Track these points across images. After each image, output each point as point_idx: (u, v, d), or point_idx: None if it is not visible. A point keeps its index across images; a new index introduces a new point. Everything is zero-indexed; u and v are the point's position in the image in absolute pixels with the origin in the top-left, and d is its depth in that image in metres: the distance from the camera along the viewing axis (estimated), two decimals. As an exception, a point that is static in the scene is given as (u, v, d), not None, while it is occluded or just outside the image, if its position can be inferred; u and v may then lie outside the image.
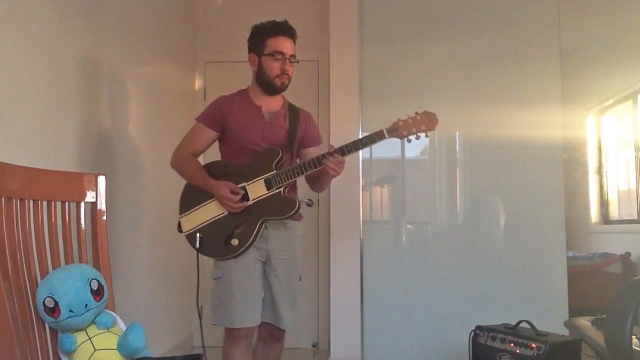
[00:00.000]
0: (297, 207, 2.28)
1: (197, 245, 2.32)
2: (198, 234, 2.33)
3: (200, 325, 2.34)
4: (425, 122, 2.23)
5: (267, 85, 2.40)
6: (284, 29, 2.40)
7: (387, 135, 2.24)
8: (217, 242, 2.31)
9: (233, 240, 2.28)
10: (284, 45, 2.37)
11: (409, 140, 2.26)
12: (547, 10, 3.62)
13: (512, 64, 3.62)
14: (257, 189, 2.29)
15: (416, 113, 2.25)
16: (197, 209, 2.37)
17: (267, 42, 2.37)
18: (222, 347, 2.36)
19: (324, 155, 2.25)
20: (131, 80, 3.20)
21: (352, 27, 3.63)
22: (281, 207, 2.29)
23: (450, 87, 3.65)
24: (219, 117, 2.41)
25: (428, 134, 2.25)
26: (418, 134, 2.24)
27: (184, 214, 2.40)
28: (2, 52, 2.06)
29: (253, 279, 2.33)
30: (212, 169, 2.40)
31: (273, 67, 2.37)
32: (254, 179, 2.30)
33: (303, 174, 2.28)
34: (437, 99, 3.62)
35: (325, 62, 3.78)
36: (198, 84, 4.35)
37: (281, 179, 2.27)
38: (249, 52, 2.45)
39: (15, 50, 2.13)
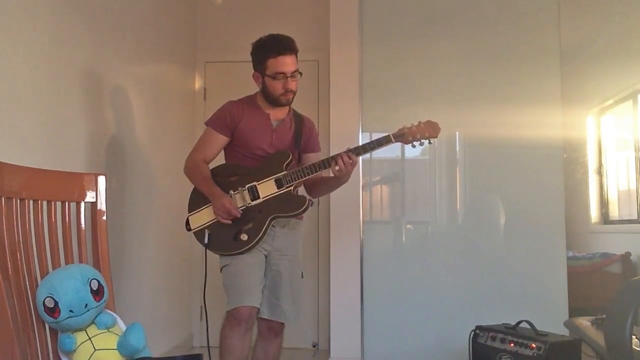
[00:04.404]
0: (306, 204, 2.38)
1: (206, 241, 2.40)
2: (207, 231, 2.40)
3: (207, 324, 2.43)
4: (429, 129, 2.39)
5: (273, 101, 2.49)
6: (283, 48, 2.41)
7: (394, 140, 2.39)
8: (226, 238, 2.38)
9: (242, 235, 2.35)
10: (285, 64, 2.40)
11: (414, 146, 2.42)
12: (547, 10, 3.61)
13: (512, 64, 3.62)
14: (267, 188, 2.38)
15: (419, 122, 2.40)
16: (206, 208, 2.43)
17: (268, 63, 2.41)
18: (220, 332, 2.39)
19: (333, 157, 2.37)
20: (131, 81, 3.19)
21: (352, 27, 3.63)
22: (291, 205, 2.38)
23: (450, 87, 3.65)
24: (230, 123, 2.49)
25: (431, 141, 2.41)
26: (422, 140, 2.40)
27: (192, 213, 2.46)
28: (3, 53, 2.06)
29: (255, 265, 2.40)
30: (222, 171, 2.49)
31: (276, 87, 2.43)
32: (264, 178, 2.39)
33: (313, 173, 2.38)
34: (437, 99, 3.62)
35: (325, 62, 3.78)
36: (198, 84, 4.35)
37: (292, 178, 2.37)
38: (253, 69, 2.50)
39: (15, 51, 2.14)
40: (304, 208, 2.37)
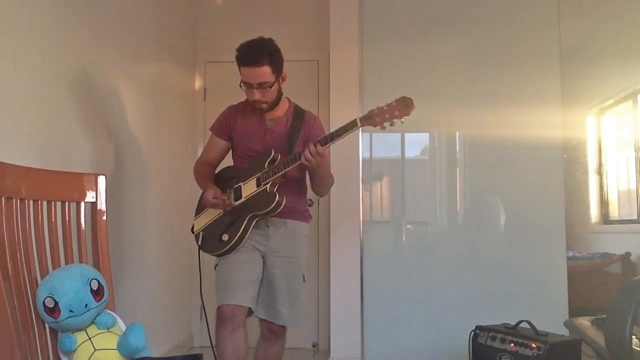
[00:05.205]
0: (275, 202, 2.32)
1: (199, 243, 2.49)
2: (201, 233, 2.50)
3: (207, 323, 2.46)
4: (400, 107, 2.18)
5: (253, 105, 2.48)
6: (248, 59, 2.32)
7: (359, 123, 2.22)
8: (213, 239, 2.44)
9: (224, 235, 2.39)
10: (249, 75, 2.33)
11: (383, 128, 2.21)
12: (547, 10, 3.62)
13: (512, 64, 3.62)
14: (249, 188, 2.40)
15: (393, 100, 2.21)
16: (205, 211, 2.53)
17: (241, 70, 2.38)
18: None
19: (303, 151, 2.31)
20: (131, 81, 3.20)
21: (352, 27, 3.63)
22: (265, 203, 2.35)
23: (450, 87, 3.65)
24: (226, 127, 2.55)
25: (403, 120, 2.19)
26: (393, 121, 2.20)
27: (197, 216, 2.56)
28: (3, 53, 2.06)
29: (245, 264, 2.40)
30: (225, 173, 2.57)
31: (247, 94, 2.42)
32: (249, 178, 2.41)
33: (286, 168, 2.33)
34: (437, 99, 3.62)
35: (325, 62, 3.77)
36: (198, 84, 4.35)
37: (267, 176, 2.35)
38: None
39: (15, 50, 2.14)
40: (273, 205, 2.31)
